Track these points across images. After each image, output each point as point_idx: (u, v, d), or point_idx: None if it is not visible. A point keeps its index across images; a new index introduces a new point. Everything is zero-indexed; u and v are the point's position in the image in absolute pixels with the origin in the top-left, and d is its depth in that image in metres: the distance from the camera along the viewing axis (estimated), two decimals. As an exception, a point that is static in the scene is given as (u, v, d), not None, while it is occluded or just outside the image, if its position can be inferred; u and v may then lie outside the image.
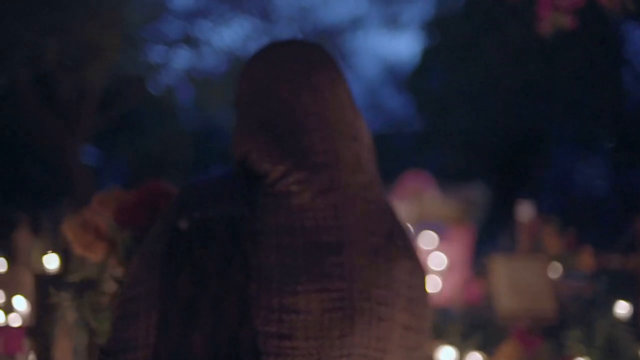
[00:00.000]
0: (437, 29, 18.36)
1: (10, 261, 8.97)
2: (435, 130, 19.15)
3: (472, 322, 5.26)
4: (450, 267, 7.80)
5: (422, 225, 9.06)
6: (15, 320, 4.00)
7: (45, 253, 8.56)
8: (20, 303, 3.94)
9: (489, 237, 10.22)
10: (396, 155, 19.84)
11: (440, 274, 7.74)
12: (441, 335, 4.66)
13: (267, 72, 1.38)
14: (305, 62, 1.39)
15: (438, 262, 7.96)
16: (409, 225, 7.43)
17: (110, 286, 1.60)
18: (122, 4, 11.21)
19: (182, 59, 14.05)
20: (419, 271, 1.41)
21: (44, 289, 3.00)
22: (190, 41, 13.07)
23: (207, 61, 14.97)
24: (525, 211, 3.71)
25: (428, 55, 19.44)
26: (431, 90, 18.82)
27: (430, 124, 19.48)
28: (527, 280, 3.78)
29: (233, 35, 14.05)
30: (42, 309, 2.10)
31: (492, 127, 17.17)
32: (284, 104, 1.34)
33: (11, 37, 9.36)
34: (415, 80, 19.43)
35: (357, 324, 1.26)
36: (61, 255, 3.96)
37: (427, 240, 8.44)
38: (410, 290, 1.35)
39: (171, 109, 20.15)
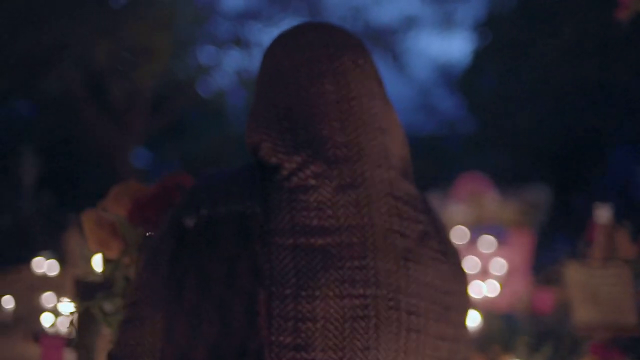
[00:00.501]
0: (489, 29, 17.94)
1: (62, 264, 8.98)
2: (488, 131, 18.73)
3: (541, 334, 4.91)
4: (510, 272, 7.46)
5: (481, 229, 8.72)
6: (61, 327, 3.77)
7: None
8: (67, 308, 3.68)
9: (546, 241, 9.81)
10: (449, 157, 19.50)
11: (500, 279, 7.40)
12: (507, 348, 4.34)
13: (286, 55, 1.24)
14: (329, 46, 1.23)
15: (498, 267, 7.63)
16: (465, 229, 7.05)
17: (122, 287, 1.47)
18: (172, 5, 11.06)
19: (232, 60, 13.91)
20: (458, 275, 1.25)
21: (85, 295, 2.96)
22: (240, 43, 12.87)
23: (258, 63, 14.80)
24: (603, 215, 3.38)
25: (480, 56, 19.03)
26: (483, 91, 18.38)
27: (484, 125, 19.05)
28: (606, 289, 3.46)
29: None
30: (83, 317, 1.70)
31: (548, 128, 16.67)
32: (303, 90, 1.20)
33: (62, 40, 9.31)
34: (467, 80, 19.03)
35: (382, 335, 1.11)
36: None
37: (486, 245, 8.10)
38: (446, 296, 1.21)
39: (222, 112, 20.17)
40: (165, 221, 1.18)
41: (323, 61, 1.21)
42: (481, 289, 7.17)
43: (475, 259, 7.87)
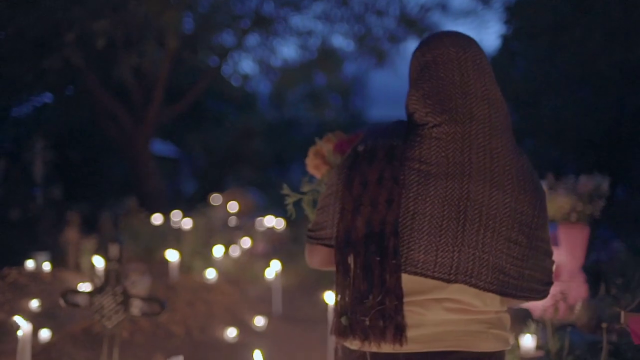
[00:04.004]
0: (524, 11, 16.87)
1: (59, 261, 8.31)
2: (524, 119, 17.68)
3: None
4: (562, 275, 6.47)
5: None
6: None
7: (94, 254, 7.78)
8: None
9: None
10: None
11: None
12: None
13: (429, 53, 1.96)
14: (457, 47, 1.95)
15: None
16: None
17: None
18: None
19: (255, 44, 12.94)
20: (535, 203, 1.87)
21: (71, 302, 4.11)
22: (264, 24, 11.89)
23: (282, 49, 13.88)
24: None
25: (514, 40, 17.94)
26: (517, 77, 17.26)
27: (519, 113, 17.98)
28: None
29: (308, 23, 12.86)
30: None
31: (587, 116, 15.57)
32: (440, 79, 1.91)
33: (63, 18, 8.50)
34: (500, 66, 17.94)
35: (467, 229, 1.78)
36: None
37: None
38: (521, 215, 1.83)
39: (247, 102, 19.47)
40: (348, 150, 1.95)
41: (452, 59, 1.93)
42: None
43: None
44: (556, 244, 6.99)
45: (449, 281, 1.76)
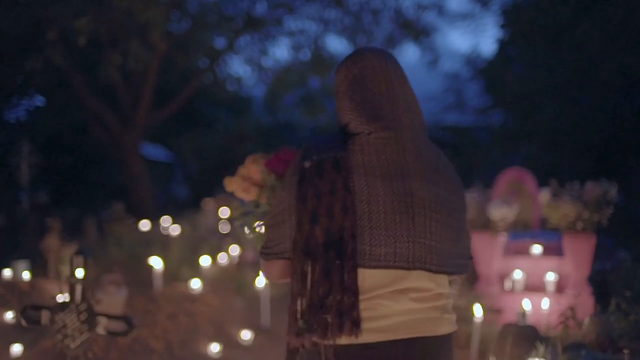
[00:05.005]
0: (521, 14, 16.48)
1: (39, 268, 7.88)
2: (519, 125, 17.28)
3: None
4: (566, 287, 6.04)
5: (531, 234, 7.32)
6: None
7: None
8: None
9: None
10: (479, 150, 18.13)
11: (552, 294, 6.01)
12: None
13: (355, 68, 2.11)
14: (380, 60, 2.11)
15: (550, 280, 6.23)
16: (505, 231, 6.32)
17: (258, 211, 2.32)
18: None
19: (247, 45, 12.46)
20: (457, 190, 2.09)
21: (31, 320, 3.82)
22: (256, 25, 11.44)
23: (275, 52, 13.48)
24: None
25: (512, 43, 17.55)
26: (514, 81, 16.83)
27: (513, 117, 17.56)
28: None
29: (301, 24, 12.41)
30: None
31: (585, 121, 15.16)
32: (368, 90, 2.08)
33: (43, 16, 8.06)
34: (496, 71, 17.54)
35: (416, 221, 1.96)
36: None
37: (537, 253, 6.68)
38: (451, 203, 2.04)
39: (241, 106, 19.03)
40: (292, 166, 2.04)
41: (377, 71, 2.10)
42: (538, 307, 5.81)
43: (525, 270, 6.52)
44: (560, 253, 6.58)
45: (409, 269, 1.93)
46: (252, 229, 2.36)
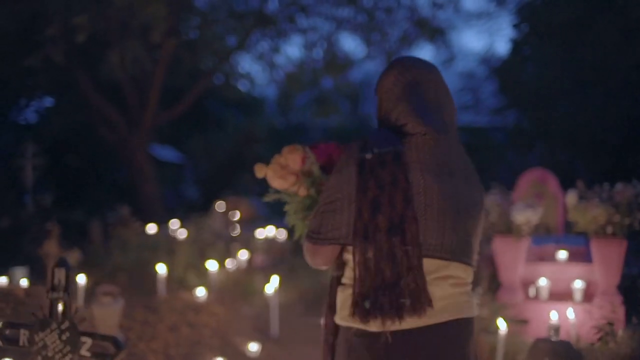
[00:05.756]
0: (536, 11, 15.97)
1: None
2: (534, 124, 16.75)
3: None
4: (594, 295, 5.54)
5: (556, 239, 6.82)
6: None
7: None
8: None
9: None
10: (494, 150, 17.61)
11: (579, 303, 5.51)
12: None
13: (410, 77, 2.26)
14: (429, 69, 2.29)
15: (578, 288, 5.74)
16: (529, 235, 5.82)
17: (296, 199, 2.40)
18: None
19: (258, 44, 11.99)
20: (482, 193, 2.27)
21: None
22: (268, 23, 10.98)
23: (287, 51, 13.03)
24: None
25: (521, 44, 17.03)
26: (524, 81, 16.30)
27: (528, 117, 17.05)
28: None
29: (314, 22, 11.93)
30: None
31: (600, 119, 14.63)
32: (422, 96, 2.22)
33: (41, 11, 7.67)
34: (511, 69, 17.02)
35: (459, 218, 2.11)
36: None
37: (563, 259, 6.19)
38: (480, 204, 2.23)
39: (253, 107, 18.62)
40: (347, 158, 2.13)
41: (429, 79, 2.26)
42: (564, 317, 5.31)
43: (549, 277, 6.02)
44: (587, 259, 6.09)
45: (450, 260, 2.09)
46: (296, 214, 2.40)
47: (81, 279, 6.31)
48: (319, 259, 2.18)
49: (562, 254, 6.15)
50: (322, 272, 6.69)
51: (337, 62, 12.47)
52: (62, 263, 3.51)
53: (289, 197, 2.40)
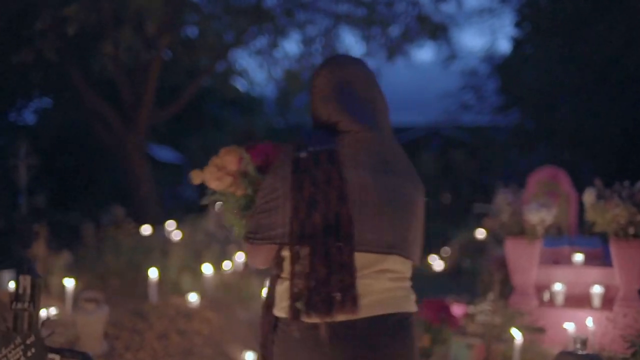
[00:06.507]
0: (539, 9, 15.58)
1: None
2: (537, 124, 16.36)
3: None
4: (612, 299, 5.11)
5: (571, 240, 6.38)
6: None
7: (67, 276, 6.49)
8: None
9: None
10: (496, 149, 17.22)
11: (598, 309, 5.08)
12: None
13: (341, 76, 2.24)
14: (361, 68, 2.29)
15: (596, 293, 5.31)
16: (540, 236, 5.34)
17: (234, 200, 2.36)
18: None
19: (256, 40, 11.54)
20: (421, 189, 2.24)
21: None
22: (265, 19, 10.54)
23: (286, 47, 12.59)
24: None
25: (523, 43, 16.63)
26: (530, 79, 15.88)
27: (530, 116, 16.65)
28: None
29: (312, 16, 11.49)
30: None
31: (605, 118, 14.24)
32: (354, 94, 2.21)
33: (31, 3, 7.24)
34: (513, 68, 16.62)
35: (397, 213, 2.10)
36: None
37: (579, 263, 5.75)
38: (419, 200, 2.21)
39: (251, 106, 18.24)
40: (282, 157, 2.10)
41: (361, 78, 2.26)
42: (581, 324, 4.88)
43: (564, 282, 5.59)
44: (604, 262, 5.66)
45: (387, 253, 2.10)
46: (235, 214, 2.38)
47: (69, 283, 5.90)
48: (257, 259, 2.18)
49: (579, 257, 5.71)
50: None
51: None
52: (27, 270, 3.08)
53: (226, 197, 2.36)
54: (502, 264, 5.72)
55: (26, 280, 3.00)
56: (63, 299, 6.01)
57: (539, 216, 5.16)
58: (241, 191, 2.32)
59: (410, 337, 2.15)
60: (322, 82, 2.25)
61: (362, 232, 2.04)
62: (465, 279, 8.40)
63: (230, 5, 10.36)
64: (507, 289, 5.50)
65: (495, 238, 5.57)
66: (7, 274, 6.67)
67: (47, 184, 12.57)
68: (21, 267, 3.22)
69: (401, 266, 2.15)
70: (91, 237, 8.59)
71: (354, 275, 2.00)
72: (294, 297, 2.01)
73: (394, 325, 2.09)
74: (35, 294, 3.02)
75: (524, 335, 4.57)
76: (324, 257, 1.99)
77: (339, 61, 2.31)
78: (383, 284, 2.09)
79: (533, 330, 4.86)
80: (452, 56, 13.30)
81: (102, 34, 8.06)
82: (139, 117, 10.49)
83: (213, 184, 2.35)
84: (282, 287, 2.12)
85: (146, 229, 8.90)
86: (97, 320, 4.58)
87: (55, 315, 5.55)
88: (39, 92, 13.25)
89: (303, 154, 2.06)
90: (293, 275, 2.02)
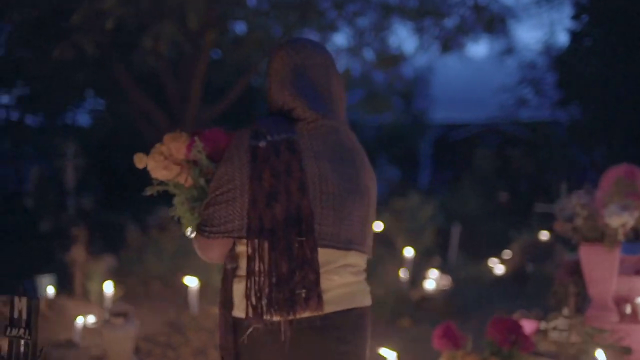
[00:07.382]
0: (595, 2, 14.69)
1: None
2: (598, 118, 15.44)
3: None
4: None
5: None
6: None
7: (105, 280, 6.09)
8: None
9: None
10: (555, 146, 16.35)
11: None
12: None
13: (298, 59, 2.12)
14: (320, 53, 2.16)
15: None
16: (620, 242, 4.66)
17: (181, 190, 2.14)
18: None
19: (305, 34, 11.04)
20: (374, 180, 2.18)
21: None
22: (314, 14, 10.02)
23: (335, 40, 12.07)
24: None
25: (582, 34, 15.70)
26: (585, 73, 14.98)
27: (590, 111, 15.73)
28: None
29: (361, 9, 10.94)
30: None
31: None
32: (311, 81, 2.10)
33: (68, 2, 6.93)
34: (567, 62, 15.71)
35: (356, 205, 2.03)
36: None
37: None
38: (373, 191, 2.16)
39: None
40: (238, 145, 1.98)
41: (318, 63, 2.14)
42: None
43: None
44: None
45: (348, 250, 2.02)
46: (183, 205, 2.14)
47: (108, 287, 5.48)
48: (212, 253, 2.03)
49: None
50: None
51: (387, 54, 11.42)
52: (24, 290, 2.61)
53: (175, 189, 2.14)
54: (574, 271, 5.06)
55: (21, 302, 2.52)
56: (103, 305, 5.62)
57: (620, 220, 4.48)
58: (190, 181, 2.11)
59: (367, 332, 2.12)
60: (278, 65, 2.14)
61: (323, 226, 1.96)
62: (530, 286, 7.71)
63: (277, 0, 9.91)
64: (582, 301, 4.84)
65: (563, 240, 4.90)
66: (45, 278, 6.32)
67: (97, 186, 12.32)
68: (17, 288, 2.74)
69: (359, 260, 2.11)
70: (135, 240, 8.23)
71: (318, 271, 1.93)
72: (254, 296, 1.90)
73: (355, 320, 2.04)
74: (32, 319, 2.54)
75: (607, 355, 3.93)
76: (286, 253, 1.90)
77: (296, 44, 2.17)
78: (345, 278, 2.03)
79: (618, 350, 4.19)
80: (509, 49, 12.58)
81: (143, 28, 7.68)
82: (186, 115, 10.10)
83: (159, 174, 2.13)
84: (241, 286, 1.98)
85: (191, 232, 8.49)
86: (126, 336, 4.12)
87: (94, 324, 5.15)
88: (92, 93, 13.05)
89: (262, 143, 1.94)
90: (252, 272, 1.91)
